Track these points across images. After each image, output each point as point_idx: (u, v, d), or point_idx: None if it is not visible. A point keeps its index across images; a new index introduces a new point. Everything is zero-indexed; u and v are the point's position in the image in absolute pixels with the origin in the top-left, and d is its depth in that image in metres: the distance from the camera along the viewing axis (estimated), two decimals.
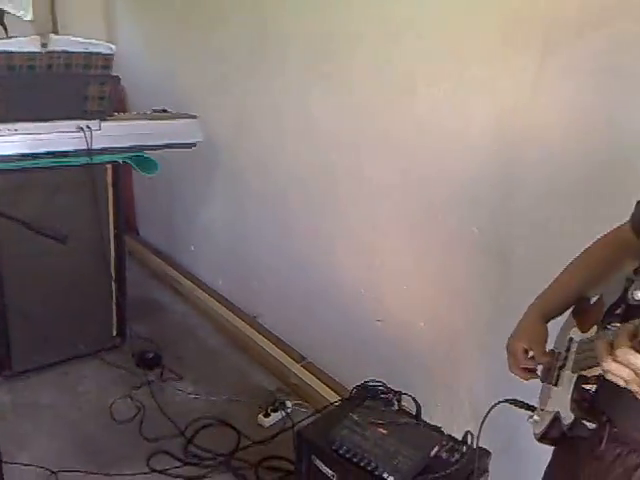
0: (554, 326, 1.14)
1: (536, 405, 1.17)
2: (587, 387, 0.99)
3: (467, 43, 1.72)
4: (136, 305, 2.83)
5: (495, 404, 1.20)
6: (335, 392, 2.36)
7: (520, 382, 1.15)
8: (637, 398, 0.77)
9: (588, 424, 0.99)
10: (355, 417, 1.58)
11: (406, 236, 2.06)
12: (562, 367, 1.07)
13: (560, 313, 1.19)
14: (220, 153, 2.94)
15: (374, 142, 2.09)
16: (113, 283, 2.59)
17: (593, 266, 1.15)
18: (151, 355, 2.62)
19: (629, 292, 0.84)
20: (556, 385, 1.08)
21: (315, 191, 2.42)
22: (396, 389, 1.71)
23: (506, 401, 1.21)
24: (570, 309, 1.16)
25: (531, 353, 1.14)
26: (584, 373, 0.95)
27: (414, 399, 1.69)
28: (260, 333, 2.83)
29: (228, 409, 2.39)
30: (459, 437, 1.54)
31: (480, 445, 1.45)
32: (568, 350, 1.07)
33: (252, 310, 2.95)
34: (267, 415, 2.32)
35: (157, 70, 3.36)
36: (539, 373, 1.15)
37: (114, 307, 2.66)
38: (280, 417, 2.35)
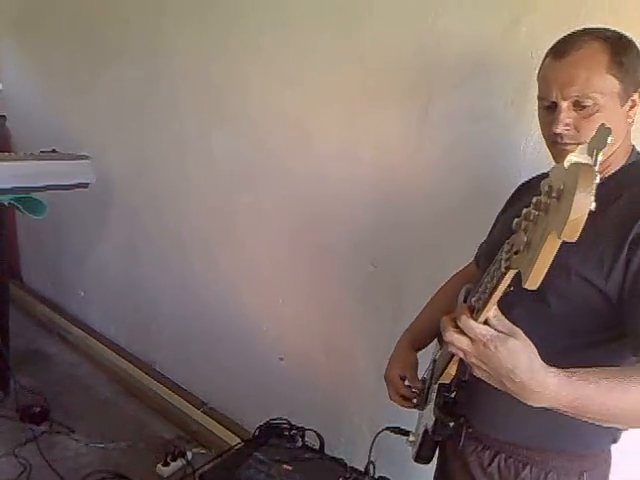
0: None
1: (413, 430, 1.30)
2: (448, 394, 1.10)
3: (356, 92, 1.84)
4: (20, 356, 2.66)
5: (378, 433, 1.37)
6: (238, 436, 2.31)
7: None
8: (491, 401, 0.85)
9: (448, 423, 1.10)
10: (260, 456, 1.58)
11: (306, 273, 2.11)
12: (429, 388, 1.18)
13: (428, 341, 1.36)
14: (114, 194, 2.86)
15: (273, 182, 2.15)
16: None
17: (450, 295, 1.30)
18: (38, 409, 2.44)
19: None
20: (425, 406, 1.20)
21: (214, 230, 2.42)
22: (300, 425, 1.73)
23: (387, 429, 1.38)
24: (436, 338, 1.31)
25: (407, 383, 1.28)
26: (442, 380, 1.05)
27: (317, 434, 1.72)
28: (157, 380, 2.73)
29: (124, 461, 2.28)
30: (362, 468, 1.57)
31: (381, 475, 1.51)
32: (432, 370, 1.18)
33: (149, 357, 2.85)
34: (166, 464, 2.24)
35: (45, 109, 3.24)
36: (414, 401, 1.27)
37: None
38: (180, 465, 2.26)
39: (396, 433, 1.36)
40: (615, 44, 0.97)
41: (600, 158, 0.64)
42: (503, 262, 0.76)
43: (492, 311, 0.79)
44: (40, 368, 2.86)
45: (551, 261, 0.67)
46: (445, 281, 1.42)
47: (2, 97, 3.39)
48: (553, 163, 1.08)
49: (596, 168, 0.63)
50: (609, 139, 0.65)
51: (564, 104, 0.98)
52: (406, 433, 1.33)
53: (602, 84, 0.96)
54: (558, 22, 1.34)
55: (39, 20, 3.16)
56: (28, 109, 3.27)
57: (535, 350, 0.80)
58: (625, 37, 0.99)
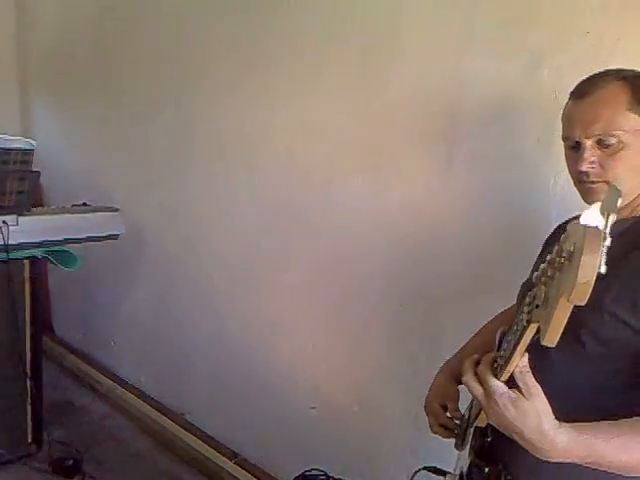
0: None
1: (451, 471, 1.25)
2: (484, 438, 1.08)
3: (380, 135, 1.86)
4: (52, 408, 2.65)
5: (415, 472, 1.33)
6: None
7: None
8: (524, 449, 0.86)
9: (483, 469, 1.08)
10: None
11: (334, 318, 2.10)
12: (466, 428, 1.15)
13: None
14: (143, 245, 2.91)
15: (299, 227, 2.16)
16: (29, 385, 2.42)
17: (492, 333, 1.26)
18: (70, 461, 2.43)
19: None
20: (462, 446, 1.16)
21: (242, 279, 2.43)
22: (336, 476, 1.69)
23: (424, 468, 1.33)
24: None
25: (448, 414, 1.25)
26: (478, 423, 1.02)
27: None
28: (189, 431, 2.69)
29: None
30: None
31: None
32: (470, 409, 1.15)
33: (180, 407, 2.83)
34: None
35: (76, 164, 3.34)
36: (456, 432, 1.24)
37: (29, 411, 2.47)
38: None
39: (433, 473, 1.32)
40: (635, 83, 0.98)
41: (611, 220, 0.66)
42: (525, 315, 0.78)
43: (519, 363, 0.81)
44: (72, 420, 2.86)
45: (566, 321, 0.69)
46: (483, 320, 1.39)
47: (35, 153, 3.50)
48: (583, 201, 1.08)
49: (607, 230, 0.64)
50: (619, 201, 0.66)
51: (588, 143, 0.99)
52: (443, 473, 1.29)
53: (624, 122, 0.97)
54: (580, 63, 1.35)
55: (71, 77, 3.29)
56: (60, 164, 3.37)
57: (549, 410, 0.82)
58: None
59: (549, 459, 0.84)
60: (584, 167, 1.00)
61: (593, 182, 1.00)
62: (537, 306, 0.73)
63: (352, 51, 1.90)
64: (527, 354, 0.81)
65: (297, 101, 2.09)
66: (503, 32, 1.55)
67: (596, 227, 0.65)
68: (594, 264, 0.63)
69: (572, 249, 0.66)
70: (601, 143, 0.98)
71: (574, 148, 1.03)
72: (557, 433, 0.81)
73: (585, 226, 0.65)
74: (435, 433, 1.27)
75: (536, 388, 0.82)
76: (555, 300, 0.67)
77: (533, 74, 1.49)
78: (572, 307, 0.67)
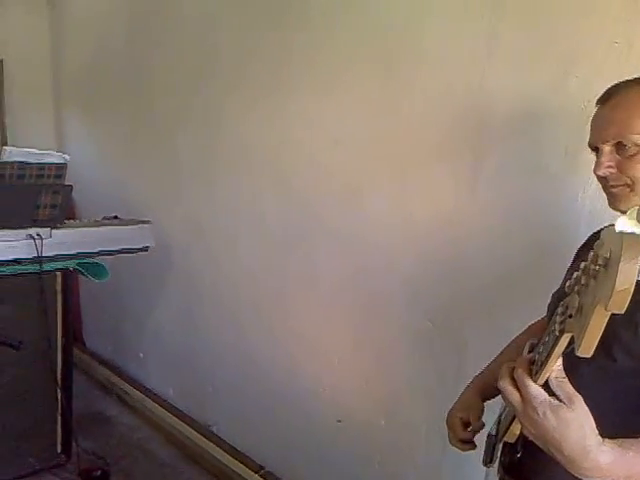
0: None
1: None
2: (513, 454, 1.04)
3: (406, 147, 1.86)
4: (82, 419, 2.69)
5: None
6: None
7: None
8: (558, 463, 0.80)
9: None
10: None
11: (361, 332, 2.08)
12: (495, 444, 1.12)
13: (496, 392, 1.25)
14: (172, 258, 2.95)
15: (324, 240, 2.16)
16: (59, 396, 2.46)
17: (522, 346, 1.23)
18: (98, 472, 2.46)
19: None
20: (491, 463, 1.13)
21: (267, 292, 2.44)
22: None
23: None
24: None
25: (470, 429, 1.21)
26: (506, 439, 0.99)
27: None
28: (214, 443, 2.70)
29: None
30: None
31: None
32: (498, 425, 1.12)
33: (206, 419, 2.84)
34: None
35: (108, 178, 3.42)
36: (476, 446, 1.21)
37: (59, 422, 2.52)
38: None
39: None
40: None
41: None
42: (557, 325, 0.74)
43: (555, 371, 0.77)
44: (100, 431, 2.90)
45: (602, 330, 0.65)
46: (512, 335, 1.37)
47: (69, 167, 3.60)
48: (611, 212, 1.06)
49: None
50: None
51: (605, 148, 0.99)
52: None
53: (638, 125, 0.95)
54: (608, 72, 1.33)
55: (103, 94, 3.38)
56: (92, 177, 3.45)
57: (592, 422, 0.76)
58: None
59: (587, 478, 0.77)
60: (601, 172, 1.00)
61: (613, 186, 1.00)
62: (570, 315, 0.70)
63: (376, 64, 1.90)
64: (561, 360, 0.76)
65: (323, 115, 2.10)
66: (528, 42, 1.53)
67: (634, 233, 0.64)
68: (634, 271, 0.60)
69: (608, 256, 0.63)
70: (619, 147, 0.97)
71: (596, 154, 1.03)
72: (600, 451, 0.75)
73: (622, 232, 0.63)
74: (454, 446, 1.25)
75: (577, 397, 0.76)
76: (591, 309, 0.65)
77: (560, 84, 1.47)
78: (609, 316, 0.65)
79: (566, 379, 0.77)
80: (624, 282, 0.60)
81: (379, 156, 1.94)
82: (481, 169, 1.68)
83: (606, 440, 0.77)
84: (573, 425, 0.75)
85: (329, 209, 2.13)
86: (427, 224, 1.83)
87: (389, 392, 2.02)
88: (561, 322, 0.73)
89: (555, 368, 0.76)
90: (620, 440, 0.78)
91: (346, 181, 2.05)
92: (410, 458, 1.96)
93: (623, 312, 0.62)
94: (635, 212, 0.67)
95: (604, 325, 0.65)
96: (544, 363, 0.76)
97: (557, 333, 0.74)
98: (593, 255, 0.67)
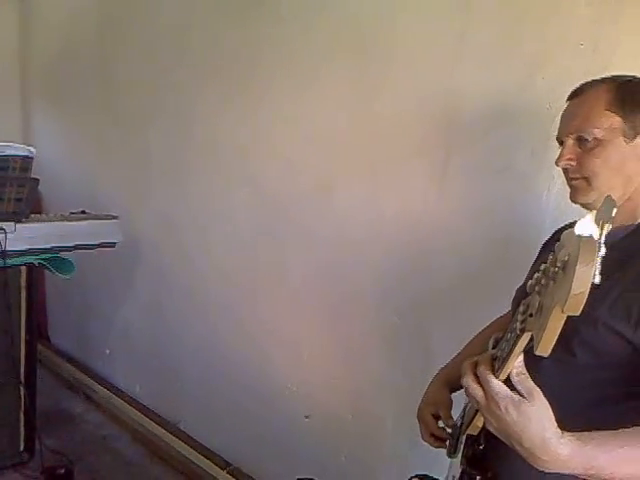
0: None
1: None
2: (476, 446, 1.06)
3: (376, 145, 1.87)
4: (46, 416, 2.64)
5: None
6: None
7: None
8: (519, 455, 0.82)
9: (475, 477, 1.06)
10: None
11: (330, 328, 2.09)
12: (459, 436, 1.14)
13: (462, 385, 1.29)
14: (140, 254, 2.91)
15: (294, 237, 2.17)
16: (22, 393, 2.41)
17: (487, 340, 1.26)
18: (62, 470, 2.40)
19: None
20: (454, 454, 1.15)
21: (238, 288, 2.43)
22: None
23: (415, 476, 1.32)
24: None
25: (441, 423, 1.23)
26: (470, 432, 1.01)
27: None
28: (182, 440, 2.68)
29: None
30: None
31: None
32: (463, 417, 1.14)
33: (173, 416, 2.81)
34: None
35: (75, 173, 3.36)
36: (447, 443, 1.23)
37: (22, 419, 2.46)
38: None
39: None
40: (623, 85, 1.00)
41: (606, 230, 0.66)
42: (519, 324, 0.76)
43: (516, 367, 0.78)
44: (65, 428, 2.84)
45: (559, 331, 0.67)
46: (477, 330, 1.39)
47: (35, 161, 3.52)
48: (576, 209, 1.09)
49: (602, 240, 0.64)
50: (614, 211, 0.66)
51: (568, 140, 1.03)
52: None
53: (600, 120, 0.99)
54: (574, 74, 1.35)
55: (72, 87, 3.32)
56: (59, 172, 3.39)
57: (551, 415, 0.78)
58: (637, 79, 1.02)
59: (548, 470, 0.79)
60: (561, 163, 1.03)
61: (573, 179, 1.03)
62: (531, 315, 0.72)
63: (348, 62, 1.91)
64: (522, 356, 0.78)
65: (294, 111, 2.10)
66: (497, 43, 1.56)
67: (591, 237, 0.65)
68: (589, 275, 0.62)
69: (566, 259, 0.65)
70: (580, 140, 1.01)
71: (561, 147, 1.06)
72: (560, 443, 0.77)
73: (580, 236, 0.65)
74: (426, 442, 1.27)
75: (537, 392, 0.78)
76: (549, 310, 0.67)
77: (527, 85, 1.51)
78: (566, 317, 0.67)
79: (527, 374, 0.79)
80: (580, 286, 0.62)
81: (350, 153, 1.95)
82: (450, 167, 1.71)
83: (565, 433, 0.78)
84: (533, 419, 0.77)
85: (300, 205, 2.13)
86: (396, 221, 1.85)
87: (357, 386, 2.03)
88: (522, 321, 0.75)
89: (516, 364, 0.78)
90: (579, 434, 0.80)
91: (317, 178, 2.06)
92: (377, 451, 1.97)
93: (579, 314, 0.64)
94: (595, 215, 0.68)
95: (561, 326, 0.67)
96: (505, 360, 0.78)
97: (518, 332, 0.76)
98: (553, 257, 0.68)
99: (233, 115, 2.34)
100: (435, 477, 1.29)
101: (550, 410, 0.78)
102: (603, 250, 0.63)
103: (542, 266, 0.71)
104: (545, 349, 0.68)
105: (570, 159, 1.02)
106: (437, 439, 1.24)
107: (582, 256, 0.62)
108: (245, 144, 2.31)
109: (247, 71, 2.26)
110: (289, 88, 2.11)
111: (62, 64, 3.38)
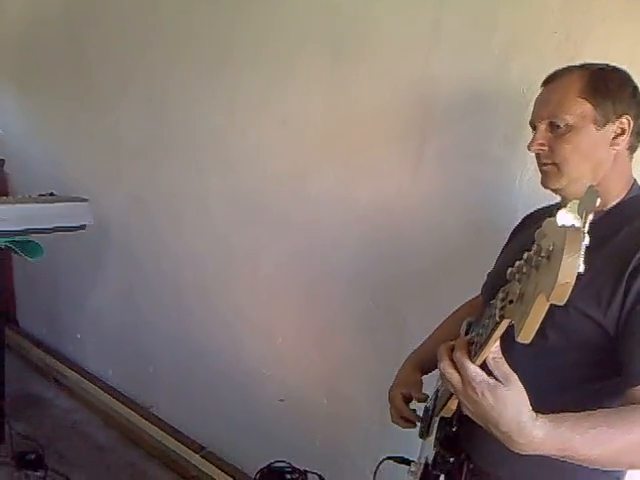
0: None
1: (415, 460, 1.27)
2: (449, 428, 1.10)
3: (351, 132, 1.87)
4: (15, 401, 2.60)
5: (380, 462, 1.36)
6: None
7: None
8: (491, 437, 0.84)
9: (449, 459, 1.10)
10: None
11: (304, 312, 2.10)
12: (431, 418, 1.16)
13: (433, 367, 1.31)
14: (111, 237, 2.86)
15: (268, 221, 2.16)
16: None
17: (459, 323, 1.28)
18: (33, 455, 2.38)
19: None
20: (428, 435, 1.18)
21: (211, 272, 2.42)
22: (302, 468, 1.69)
23: (389, 458, 1.35)
24: None
25: (411, 405, 1.26)
26: (443, 414, 1.04)
27: (320, 476, 1.68)
28: (155, 424, 2.67)
29: None
30: None
31: None
32: (435, 400, 1.17)
33: (146, 400, 2.80)
34: None
35: (44, 152, 3.27)
36: (417, 424, 1.26)
37: None
38: None
39: (398, 462, 1.34)
40: (595, 73, 1.02)
41: (589, 219, 0.66)
42: (498, 310, 0.77)
43: (492, 353, 0.79)
44: (35, 413, 2.80)
45: (542, 318, 0.68)
46: (450, 313, 1.41)
47: (1, 141, 3.43)
48: (549, 195, 1.10)
49: (585, 229, 0.65)
50: (597, 201, 0.67)
51: (541, 126, 1.04)
52: (408, 462, 1.31)
53: (572, 106, 1.00)
54: (547, 62, 1.36)
55: (38, 65, 3.22)
56: (26, 152, 3.30)
57: (526, 399, 0.79)
58: (609, 67, 1.04)
59: (522, 452, 0.81)
60: (533, 148, 1.05)
61: (544, 164, 1.05)
62: (511, 302, 0.73)
63: (324, 47, 1.90)
64: (499, 342, 0.79)
65: (269, 96, 2.08)
66: (471, 31, 1.57)
67: (577, 228, 0.65)
68: (575, 265, 0.62)
69: (551, 248, 0.65)
70: (552, 126, 1.02)
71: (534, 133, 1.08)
72: (534, 426, 0.79)
73: (564, 226, 0.65)
74: (395, 423, 1.29)
75: (513, 376, 0.80)
76: (532, 298, 0.67)
77: (501, 72, 1.52)
78: (549, 306, 0.67)
79: (503, 359, 0.80)
80: (566, 276, 0.62)
81: (325, 138, 1.95)
82: (424, 152, 1.71)
83: (540, 416, 0.80)
84: (509, 403, 0.78)
85: (273, 189, 2.12)
86: (370, 206, 1.85)
87: (331, 370, 2.05)
88: (501, 308, 0.76)
89: (493, 349, 0.79)
90: (553, 415, 0.82)
91: (292, 162, 2.05)
92: (351, 434, 2.00)
93: (563, 303, 0.64)
94: (576, 205, 0.69)
95: (544, 314, 0.68)
96: (483, 345, 0.79)
97: (497, 318, 0.76)
98: (536, 246, 0.69)
99: (206, 97, 2.30)
100: (407, 457, 1.32)
101: (525, 394, 0.80)
102: (587, 240, 0.64)
103: (525, 254, 0.71)
104: (527, 337, 0.69)
105: (542, 144, 1.04)
106: (407, 421, 1.27)
107: (568, 246, 0.62)
108: (218, 127, 2.28)
109: (221, 53, 2.22)
110: (263, 72, 2.08)
111: (28, 42, 3.27)
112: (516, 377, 0.80)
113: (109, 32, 2.73)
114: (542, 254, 0.67)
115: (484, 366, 0.81)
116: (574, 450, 0.81)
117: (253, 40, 2.10)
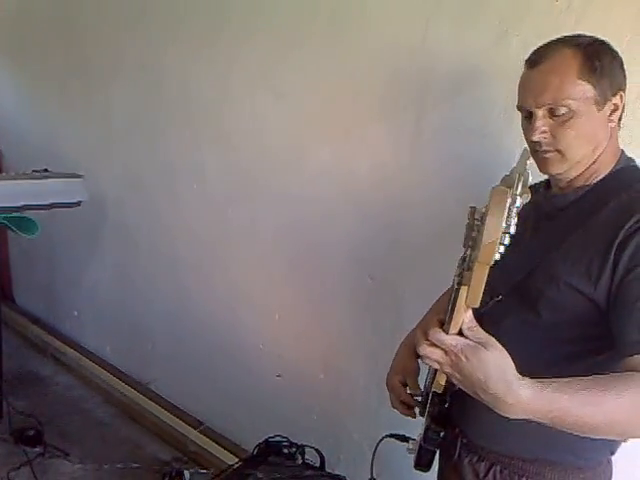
0: None
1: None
2: (442, 404, 1.11)
3: (349, 106, 1.84)
4: (13, 378, 2.62)
5: (380, 440, 1.35)
6: (236, 455, 2.26)
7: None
8: (484, 411, 0.83)
9: (438, 433, 1.11)
10: (259, 475, 1.55)
11: (301, 287, 2.10)
12: (427, 395, 1.18)
13: None
14: (107, 213, 2.85)
15: (266, 196, 2.14)
16: None
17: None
18: (32, 432, 2.40)
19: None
20: (426, 413, 1.19)
21: (207, 247, 2.41)
22: (299, 443, 1.70)
23: (390, 436, 1.35)
24: None
25: (409, 390, 1.26)
26: (434, 389, 1.04)
27: (317, 451, 1.69)
28: (153, 401, 2.69)
29: None
30: None
31: None
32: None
33: (144, 377, 2.81)
34: None
35: (37, 129, 3.23)
36: (416, 410, 1.26)
37: None
38: None
39: (397, 440, 1.34)
40: (587, 49, 0.97)
41: (522, 181, 0.66)
42: (457, 277, 0.78)
43: (466, 322, 0.80)
44: (34, 390, 2.81)
45: (485, 281, 0.69)
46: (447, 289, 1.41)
47: None
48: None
49: (518, 191, 0.64)
50: (528, 163, 0.67)
51: (539, 112, 0.99)
52: (407, 440, 1.31)
53: (574, 90, 0.96)
54: (548, 31, 1.33)
55: (30, 39, 3.16)
56: (20, 129, 3.26)
57: (510, 361, 0.80)
58: (599, 41, 1.00)
59: (511, 415, 0.81)
60: (535, 137, 1.00)
61: (546, 152, 1.01)
62: (468, 269, 0.74)
63: (320, 20, 1.86)
64: (471, 310, 0.79)
65: (265, 69, 2.04)
66: (470, 1, 1.53)
67: (502, 189, 0.65)
68: (498, 224, 0.63)
69: (484, 211, 0.66)
70: (552, 112, 0.98)
71: (528, 118, 1.03)
72: (520, 385, 0.79)
73: (493, 188, 0.65)
74: (395, 409, 1.29)
75: (491, 339, 0.80)
76: (473, 262, 0.69)
77: (501, 43, 1.49)
78: (488, 268, 0.67)
79: (478, 326, 0.81)
80: (490, 236, 0.63)
81: (322, 112, 1.92)
82: (423, 126, 1.69)
83: (525, 377, 0.80)
84: (492, 363, 0.79)
85: (270, 163, 2.10)
86: (368, 180, 1.84)
87: (328, 345, 2.05)
88: (459, 274, 0.77)
89: (466, 320, 0.80)
90: (540, 379, 0.81)
91: (288, 135, 2.03)
92: (348, 409, 2.01)
93: (491, 264, 0.65)
94: (512, 168, 0.70)
95: (485, 276, 0.69)
96: (451, 314, 0.80)
97: (456, 285, 0.77)
98: (476, 211, 0.69)
99: (201, 70, 2.27)
100: (408, 435, 1.31)
101: (507, 355, 0.80)
102: (519, 201, 0.63)
103: (469, 221, 0.72)
104: (474, 301, 0.71)
105: (544, 132, 0.99)
106: (407, 406, 1.27)
107: (492, 206, 0.63)
108: (214, 99, 2.24)
109: (216, 25, 2.17)
110: (259, 44, 2.04)
111: (20, 15, 3.21)
112: (495, 340, 0.80)
113: (102, 3, 2.68)
114: (477, 217, 0.67)
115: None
116: (563, 411, 0.80)
117: (249, 10, 2.06)
